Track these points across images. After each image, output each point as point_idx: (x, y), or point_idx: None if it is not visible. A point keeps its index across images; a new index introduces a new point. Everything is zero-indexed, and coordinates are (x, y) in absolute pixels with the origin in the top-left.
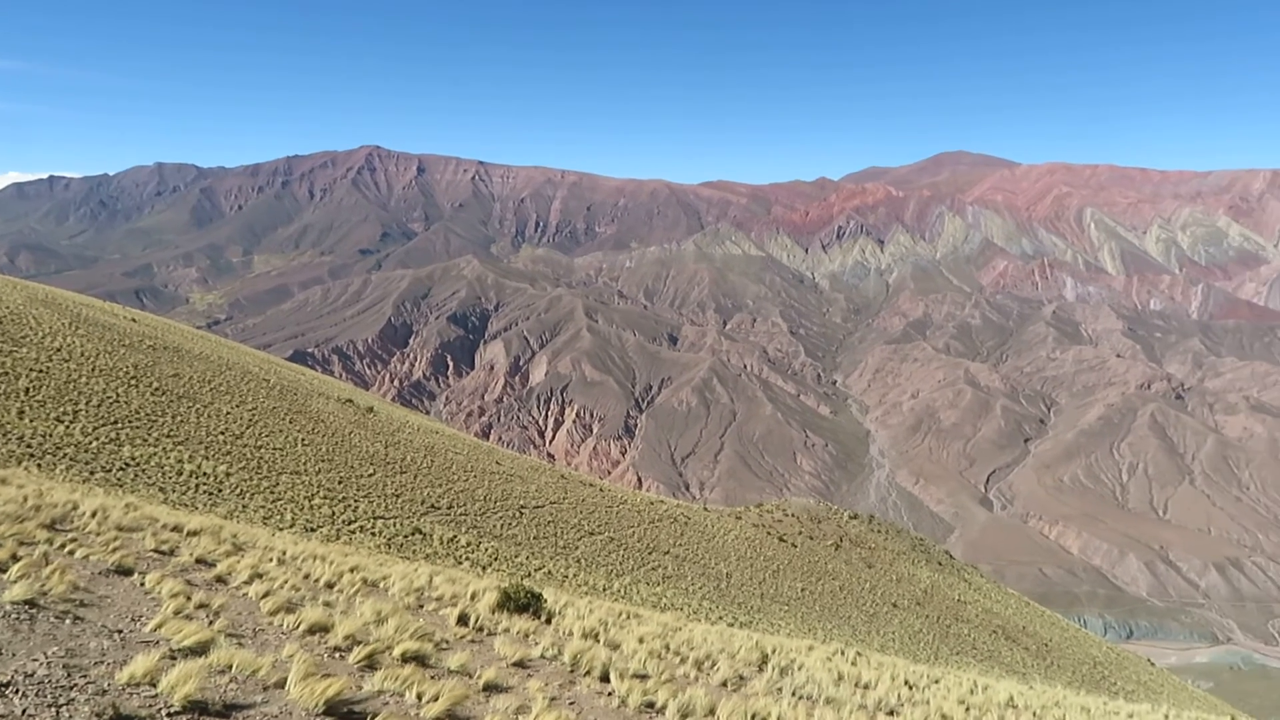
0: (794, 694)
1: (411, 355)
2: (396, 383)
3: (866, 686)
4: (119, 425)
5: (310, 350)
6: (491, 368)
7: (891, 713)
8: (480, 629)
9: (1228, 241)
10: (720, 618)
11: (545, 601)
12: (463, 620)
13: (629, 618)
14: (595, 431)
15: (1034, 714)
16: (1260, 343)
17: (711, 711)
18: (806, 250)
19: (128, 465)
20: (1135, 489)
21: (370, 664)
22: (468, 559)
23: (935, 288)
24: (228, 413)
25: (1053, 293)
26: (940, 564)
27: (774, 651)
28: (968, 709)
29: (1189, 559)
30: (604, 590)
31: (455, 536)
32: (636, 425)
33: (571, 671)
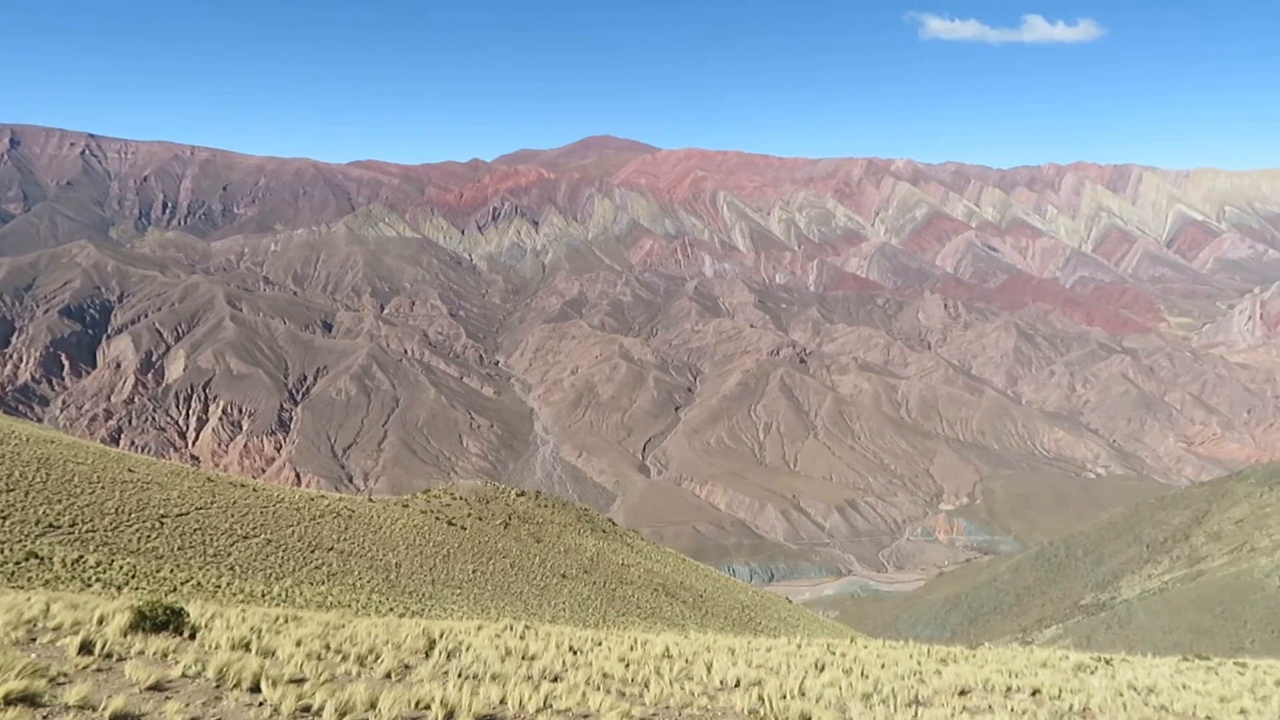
0: (460, 675)
1: (15, 355)
2: None
3: (533, 658)
4: None
5: None
6: (118, 365)
7: (556, 679)
8: (109, 655)
9: (835, 221)
10: (390, 609)
11: (189, 616)
12: (86, 648)
13: (287, 621)
14: (245, 428)
15: (686, 660)
16: (863, 310)
17: (373, 705)
18: (463, 232)
19: None
20: (770, 446)
21: None
22: (99, 580)
23: (589, 267)
24: None
25: (694, 270)
26: (605, 531)
27: (442, 635)
28: (627, 665)
29: (816, 504)
30: (263, 596)
31: (82, 557)
32: (292, 418)
33: (218, 687)
